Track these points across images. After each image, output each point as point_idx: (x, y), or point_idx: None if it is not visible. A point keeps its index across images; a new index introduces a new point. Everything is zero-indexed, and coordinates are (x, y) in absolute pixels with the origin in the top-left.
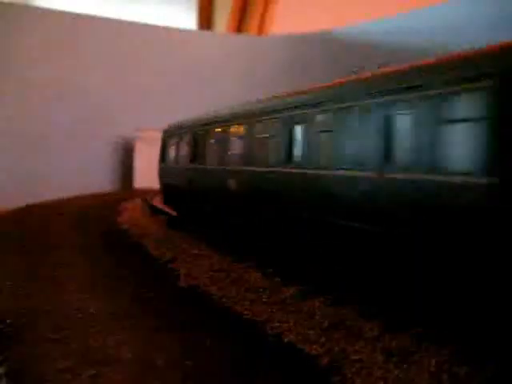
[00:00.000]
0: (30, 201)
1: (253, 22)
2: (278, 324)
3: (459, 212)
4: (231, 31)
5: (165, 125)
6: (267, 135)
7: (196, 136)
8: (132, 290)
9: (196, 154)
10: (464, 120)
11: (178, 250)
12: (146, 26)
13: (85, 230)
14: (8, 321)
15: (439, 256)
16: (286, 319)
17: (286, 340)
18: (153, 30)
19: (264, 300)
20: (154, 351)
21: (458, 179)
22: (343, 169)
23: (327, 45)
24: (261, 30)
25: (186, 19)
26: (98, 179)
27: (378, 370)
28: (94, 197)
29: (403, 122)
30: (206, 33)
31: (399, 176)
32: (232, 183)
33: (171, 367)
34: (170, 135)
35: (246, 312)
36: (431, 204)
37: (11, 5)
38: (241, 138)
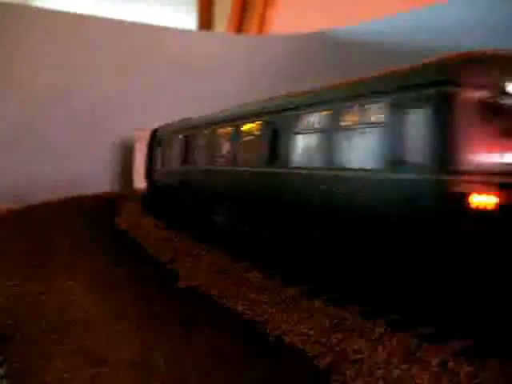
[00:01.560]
0: (30, 201)
1: (253, 22)
2: (278, 324)
3: None
4: (231, 31)
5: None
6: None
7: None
8: (132, 291)
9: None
10: None
11: (177, 250)
12: (146, 26)
13: (85, 231)
14: (8, 321)
15: None
16: (286, 319)
17: (286, 340)
18: (153, 30)
19: (264, 300)
20: (154, 351)
21: None
22: None
23: (327, 45)
24: (261, 30)
25: (186, 19)
26: (97, 179)
27: (378, 370)
28: (94, 197)
29: None
30: (205, 33)
31: None
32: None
33: (171, 367)
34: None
35: (246, 312)
36: None
37: (11, 5)
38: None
